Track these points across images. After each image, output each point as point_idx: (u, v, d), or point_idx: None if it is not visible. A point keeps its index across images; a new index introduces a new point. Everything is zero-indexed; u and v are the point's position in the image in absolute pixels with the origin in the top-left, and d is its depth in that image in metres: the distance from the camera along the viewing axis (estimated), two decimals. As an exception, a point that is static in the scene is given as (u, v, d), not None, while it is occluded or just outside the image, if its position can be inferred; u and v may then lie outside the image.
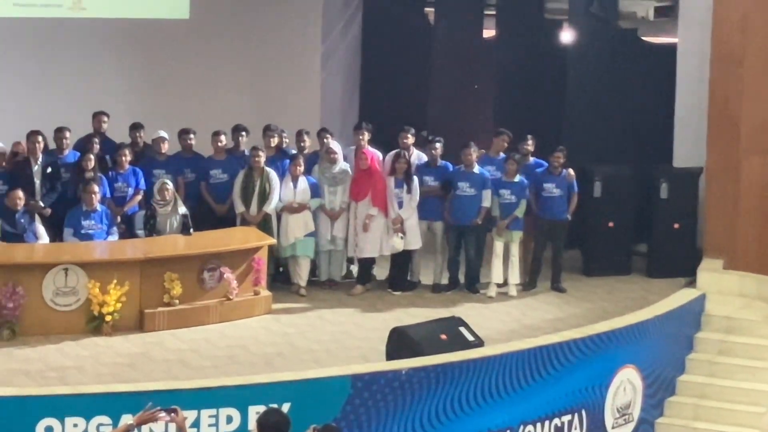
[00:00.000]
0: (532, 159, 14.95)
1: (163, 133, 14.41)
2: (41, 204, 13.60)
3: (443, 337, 12.14)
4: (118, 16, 16.24)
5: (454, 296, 14.40)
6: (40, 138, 13.73)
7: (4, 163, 13.73)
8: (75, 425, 10.43)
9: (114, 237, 13.49)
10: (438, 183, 14.55)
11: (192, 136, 14.55)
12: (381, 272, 14.71)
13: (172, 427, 7.83)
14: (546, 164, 14.77)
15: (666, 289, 14.32)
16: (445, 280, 14.61)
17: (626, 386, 12.86)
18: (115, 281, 12.59)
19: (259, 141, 14.56)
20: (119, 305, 12.59)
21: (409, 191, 14.32)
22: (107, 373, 11.76)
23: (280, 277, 14.47)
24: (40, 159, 13.71)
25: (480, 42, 18.03)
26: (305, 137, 14.62)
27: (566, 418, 12.32)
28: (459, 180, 14.43)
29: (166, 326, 12.86)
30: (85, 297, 12.62)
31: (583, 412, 12.46)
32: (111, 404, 10.50)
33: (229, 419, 10.79)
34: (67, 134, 14.07)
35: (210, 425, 10.73)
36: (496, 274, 14.46)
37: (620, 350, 12.75)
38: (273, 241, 13.86)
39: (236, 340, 12.80)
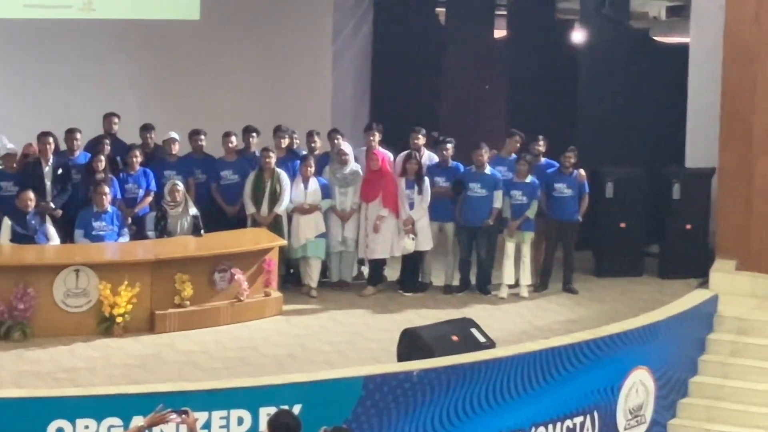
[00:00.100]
0: (543, 159, 14.92)
1: (174, 135, 14.40)
2: (52, 205, 13.60)
3: (455, 338, 12.11)
4: (129, 17, 16.24)
5: (466, 297, 14.37)
6: (50, 139, 13.74)
7: (14, 165, 13.73)
8: (86, 427, 10.42)
9: (125, 238, 13.49)
10: (449, 184, 14.52)
11: (203, 137, 14.54)
12: (392, 273, 14.69)
13: (183, 428, 7.81)
14: (557, 165, 14.74)
15: (678, 290, 14.28)
16: (456, 282, 14.58)
17: (638, 388, 12.82)
18: (126, 282, 12.59)
19: (270, 142, 14.55)
20: (130, 306, 12.59)
21: (420, 192, 14.29)
22: (118, 375, 11.75)
23: (290, 279, 14.45)
24: (51, 160, 13.72)
25: (491, 42, 18.01)
26: (316, 138, 14.61)
27: (578, 420, 12.28)
28: (470, 181, 14.40)
29: (177, 327, 12.85)
30: (96, 298, 12.62)
31: (595, 414, 12.42)
32: (122, 406, 10.49)
33: (240, 421, 10.78)
34: (78, 135, 14.07)
35: (221, 427, 10.71)
36: (508, 276, 14.43)
37: (632, 351, 12.71)
38: (284, 242, 13.84)
39: (247, 342, 12.78)
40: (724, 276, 14.32)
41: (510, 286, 14.46)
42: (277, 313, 13.54)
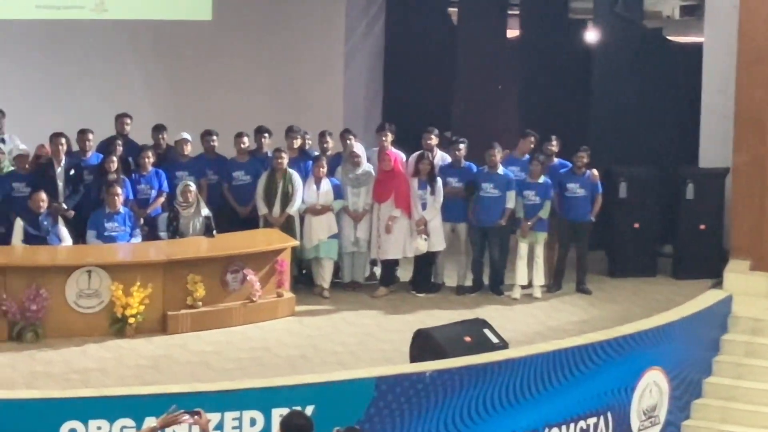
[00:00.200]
0: (556, 160, 14.89)
1: (186, 135, 14.40)
2: (64, 206, 13.61)
3: (467, 339, 12.09)
4: (141, 17, 16.23)
5: (478, 298, 14.34)
6: (63, 140, 13.75)
7: (27, 166, 13.74)
8: (98, 428, 10.42)
9: (137, 239, 13.49)
10: (462, 184, 14.49)
11: (215, 137, 14.53)
12: (404, 274, 14.67)
13: (196, 429, 7.79)
14: (570, 165, 14.70)
15: (692, 291, 14.22)
16: (469, 282, 14.55)
17: (652, 388, 12.78)
18: (138, 283, 12.59)
19: (282, 142, 14.54)
20: (142, 307, 12.59)
21: (433, 192, 14.26)
22: (130, 376, 11.75)
23: (303, 279, 14.44)
24: (63, 161, 13.73)
25: (504, 42, 17.96)
26: (328, 138, 14.59)
27: (592, 421, 12.25)
28: (483, 181, 14.37)
29: (190, 328, 12.85)
30: (109, 299, 12.62)
31: (609, 415, 12.39)
32: (134, 407, 10.49)
33: (253, 422, 10.76)
34: (90, 136, 14.08)
35: (233, 428, 10.70)
36: (521, 276, 14.40)
37: (646, 352, 12.67)
38: (296, 242, 13.83)
39: (259, 342, 12.77)
40: (738, 276, 14.26)
41: (523, 287, 14.43)
42: (290, 314, 13.52)
